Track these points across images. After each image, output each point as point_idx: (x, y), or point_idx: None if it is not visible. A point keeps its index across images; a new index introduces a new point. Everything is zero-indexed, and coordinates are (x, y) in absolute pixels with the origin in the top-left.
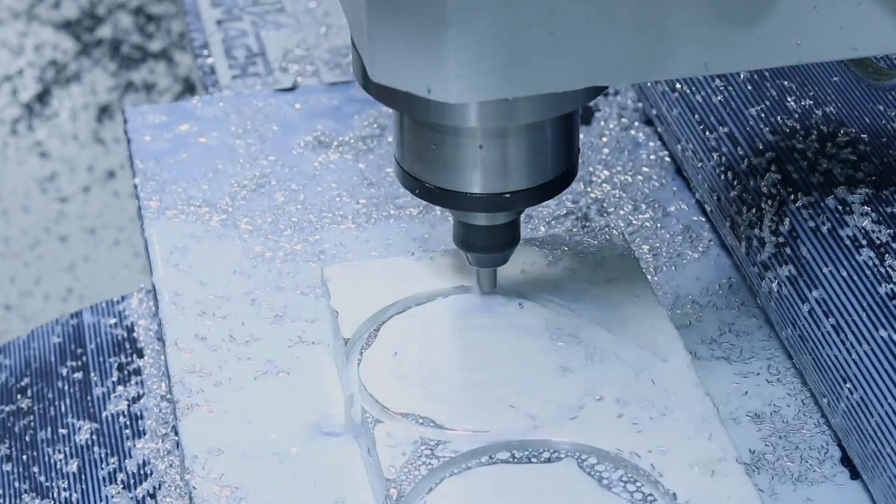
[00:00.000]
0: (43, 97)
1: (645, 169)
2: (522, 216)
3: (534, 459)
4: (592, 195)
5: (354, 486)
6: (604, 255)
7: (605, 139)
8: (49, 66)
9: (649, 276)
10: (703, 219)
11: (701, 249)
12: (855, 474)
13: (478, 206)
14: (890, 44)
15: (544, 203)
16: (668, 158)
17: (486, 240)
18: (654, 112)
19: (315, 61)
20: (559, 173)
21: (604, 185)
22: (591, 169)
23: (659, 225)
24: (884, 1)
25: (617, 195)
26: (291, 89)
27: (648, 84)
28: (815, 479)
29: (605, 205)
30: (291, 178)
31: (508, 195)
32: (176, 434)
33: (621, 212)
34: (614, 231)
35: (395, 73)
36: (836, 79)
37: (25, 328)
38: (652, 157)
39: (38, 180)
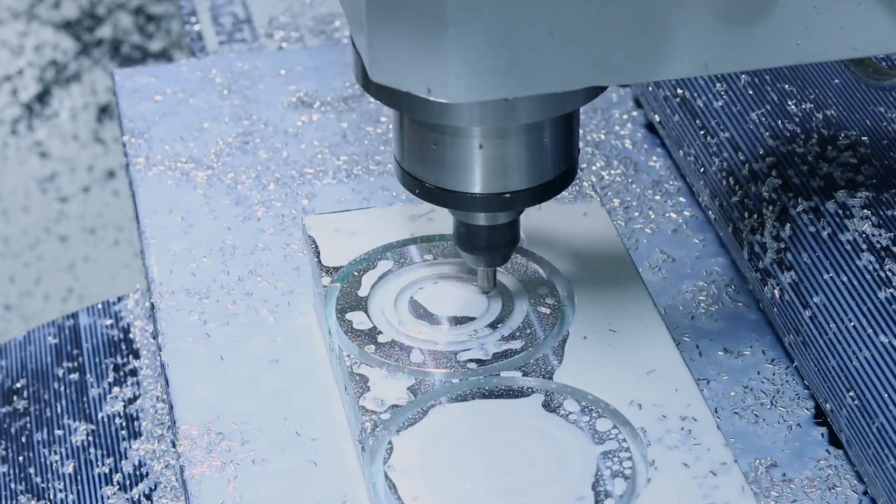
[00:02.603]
0: (43, 97)
1: (616, 128)
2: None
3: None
4: None
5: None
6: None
7: None
8: (49, 66)
9: (619, 226)
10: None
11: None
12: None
13: (478, 206)
14: (890, 44)
15: None
16: (640, 117)
17: (487, 240)
18: (657, 118)
19: (300, 28)
20: (559, 173)
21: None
22: None
23: (630, 180)
24: (884, 1)
25: (589, 152)
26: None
27: (650, 88)
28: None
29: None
30: (275, 137)
31: (508, 195)
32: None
33: (593, 167)
34: (585, 183)
35: (395, 73)
36: (836, 81)
37: (25, 328)
38: (625, 116)
39: (38, 180)
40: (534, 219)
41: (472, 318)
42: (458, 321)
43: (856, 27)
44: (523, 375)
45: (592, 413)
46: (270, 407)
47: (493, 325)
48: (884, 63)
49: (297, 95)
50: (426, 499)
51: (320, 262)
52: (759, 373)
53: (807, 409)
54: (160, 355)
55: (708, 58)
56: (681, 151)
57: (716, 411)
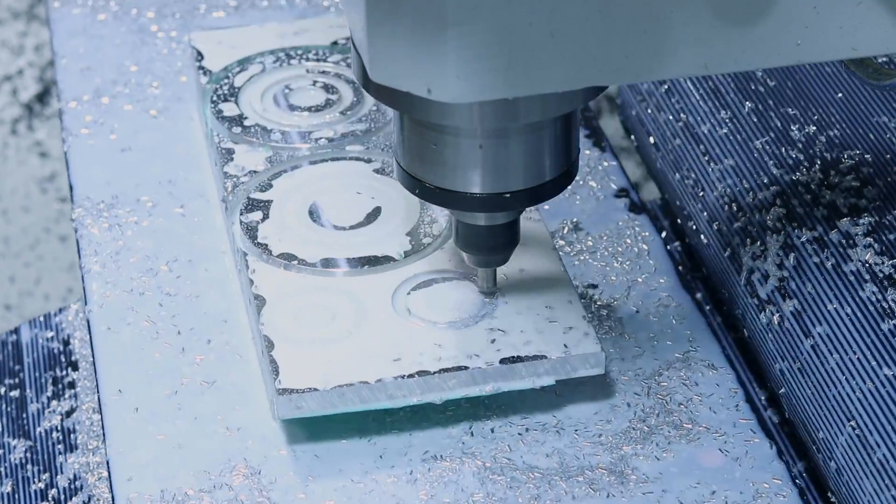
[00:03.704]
0: (43, 97)
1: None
2: None
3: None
4: None
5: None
6: None
7: None
8: (49, 66)
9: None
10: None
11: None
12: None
13: (478, 206)
14: (890, 44)
15: None
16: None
17: (487, 240)
18: (652, 140)
19: None
20: (559, 173)
21: None
22: None
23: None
24: (884, 1)
25: None
26: None
27: (649, 111)
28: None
29: None
30: None
31: (508, 195)
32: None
33: None
34: None
35: (395, 73)
36: (840, 95)
37: None
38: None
39: (38, 180)
40: None
41: (328, 106)
42: (316, 109)
43: (856, 27)
44: (366, 149)
45: None
46: (153, 182)
47: (345, 112)
48: (884, 63)
49: None
50: (273, 238)
51: (202, 66)
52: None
53: (614, 184)
54: (63, 137)
55: (708, 58)
56: (678, 175)
57: None
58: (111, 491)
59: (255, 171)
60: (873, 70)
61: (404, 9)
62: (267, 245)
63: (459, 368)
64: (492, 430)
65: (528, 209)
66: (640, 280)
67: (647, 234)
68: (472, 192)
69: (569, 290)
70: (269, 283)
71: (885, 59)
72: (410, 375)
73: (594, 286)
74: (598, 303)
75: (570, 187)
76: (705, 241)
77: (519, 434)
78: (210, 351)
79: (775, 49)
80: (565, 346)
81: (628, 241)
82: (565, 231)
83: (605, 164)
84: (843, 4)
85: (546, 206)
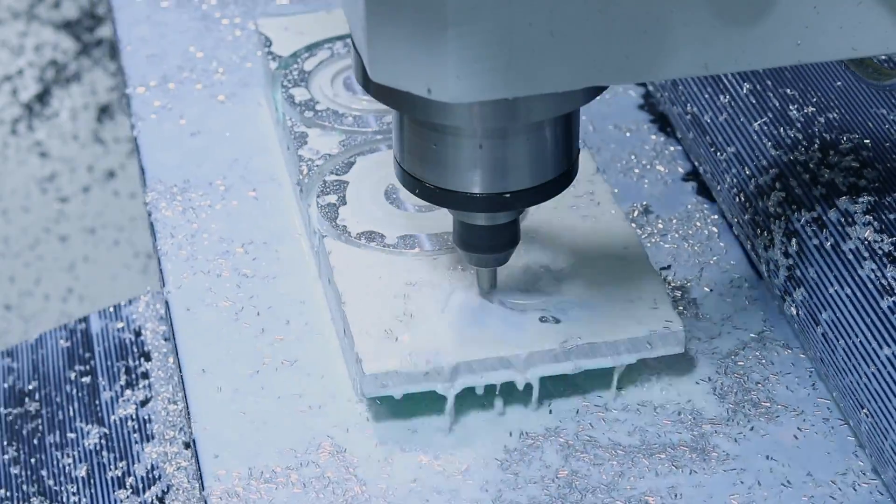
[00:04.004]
0: (43, 97)
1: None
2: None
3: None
4: None
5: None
6: None
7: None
8: (49, 66)
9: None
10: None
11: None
12: None
13: (478, 206)
14: (890, 44)
15: None
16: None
17: (487, 240)
18: (679, 135)
19: None
20: (560, 173)
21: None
22: None
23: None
24: (884, 1)
25: None
26: None
27: (674, 108)
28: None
29: None
30: None
31: (508, 195)
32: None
33: None
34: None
35: (395, 73)
36: (839, 83)
37: (25, 328)
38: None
39: (38, 180)
40: None
41: None
42: None
43: (856, 27)
44: None
45: None
46: (224, 166)
47: None
48: (884, 63)
49: None
50: (351, 218)
51: (270, 51)
52: (643, 142)
53: (681, 168)
54: (132, 122)
55: (708, 58)
56: (701, 168)
57: (604, 171)
58: (198, 469)
59: (330, 155)
60: (873, 70)
61: (404, 9)
62: (345, 226)
63: (541, 347)
64: (575, 409)
65: (597, 194)
66: (711, 262)
67: (715, 216)
68: (472, 192)
69: (649, 269)
70: (348, 263)
71: (885, 59)
72: (492, 354)
73: (666, 268)
74: (672, 284)
75: (637, 171)
76: (736, 234)
77: (600, 412)
78: (289, 331)
79: (775, 49)
80: (646, 324)
81: (698, 223)
82: (635, 214)
83: (671, 149)
84: (843, 4)
85: (616, 190)
